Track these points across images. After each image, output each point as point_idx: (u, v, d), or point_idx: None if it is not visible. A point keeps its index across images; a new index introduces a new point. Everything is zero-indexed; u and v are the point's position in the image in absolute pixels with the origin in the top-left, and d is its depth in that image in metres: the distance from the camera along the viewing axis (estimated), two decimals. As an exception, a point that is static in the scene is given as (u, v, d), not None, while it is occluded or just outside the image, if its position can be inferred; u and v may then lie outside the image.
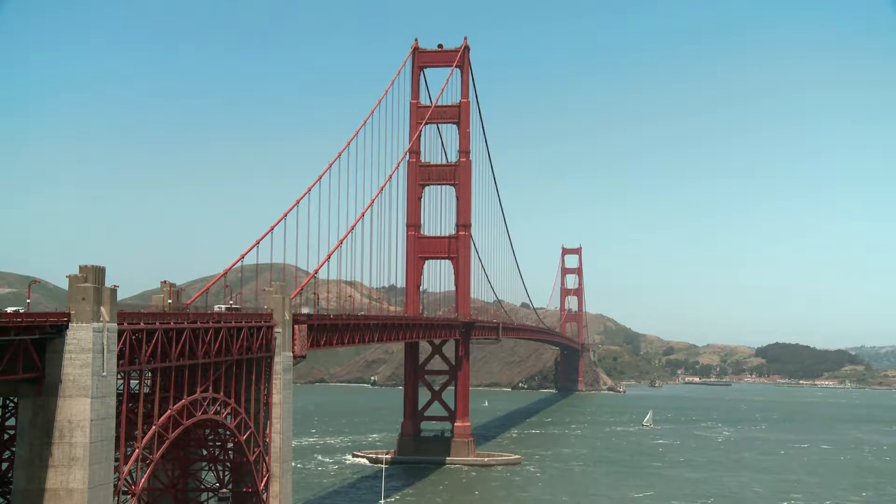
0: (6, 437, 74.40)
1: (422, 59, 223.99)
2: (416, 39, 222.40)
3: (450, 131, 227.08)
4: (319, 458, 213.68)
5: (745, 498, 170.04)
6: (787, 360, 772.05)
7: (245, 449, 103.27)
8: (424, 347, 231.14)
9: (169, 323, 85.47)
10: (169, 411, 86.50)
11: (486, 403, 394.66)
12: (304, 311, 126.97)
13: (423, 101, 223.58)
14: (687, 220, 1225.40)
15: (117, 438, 76.71)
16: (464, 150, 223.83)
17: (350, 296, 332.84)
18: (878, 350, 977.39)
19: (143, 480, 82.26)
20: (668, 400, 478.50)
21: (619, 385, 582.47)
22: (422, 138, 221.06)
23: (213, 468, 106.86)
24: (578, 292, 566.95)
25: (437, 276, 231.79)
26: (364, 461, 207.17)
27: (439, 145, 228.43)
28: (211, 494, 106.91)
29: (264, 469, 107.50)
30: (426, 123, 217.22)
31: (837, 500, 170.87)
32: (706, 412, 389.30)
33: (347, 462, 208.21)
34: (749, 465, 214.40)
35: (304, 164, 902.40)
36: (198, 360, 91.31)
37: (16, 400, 72.42)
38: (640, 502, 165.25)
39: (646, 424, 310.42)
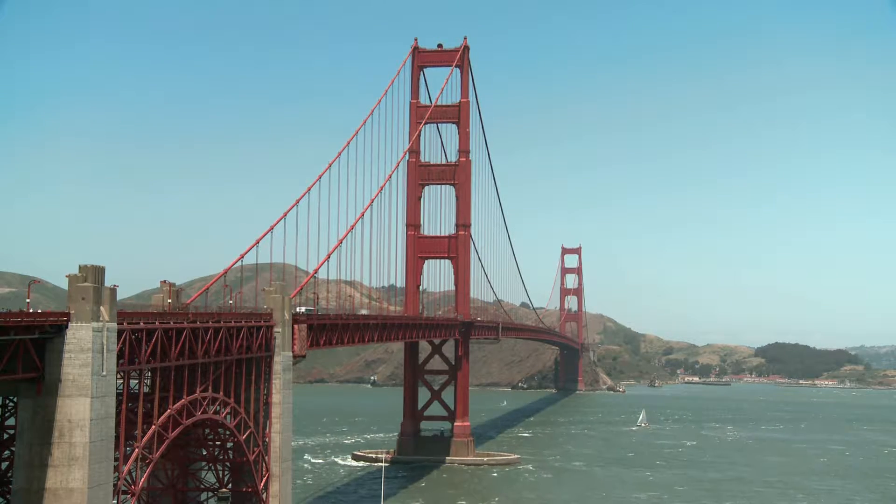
0: (6, 437, 74.40)
1: (422, 59, 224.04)
2: (416, 39, 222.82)
3: (450, 131, 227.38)
4: (319, 457, 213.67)
5: (751, 498, 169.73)
6: (786, 360, 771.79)
7: (245, 449, 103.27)
8: (424, 347, 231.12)
9: (169, 323, 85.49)
10: (169, 411, 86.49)
11: (505, 403, 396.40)
12: (364, 312, 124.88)
13: (423, 100, 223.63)
14: (687, 219, 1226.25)
15: (117, 438, 76.71)
16: (464, 150, 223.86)
17: (350, 296, 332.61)
18: (878, 350, 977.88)
19: (142, 480, 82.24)
20: (669, 400, 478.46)
21: (619, 385, 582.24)
22: (422, 138, 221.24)
23: (212, 468, 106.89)
24: (578, 292, 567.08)
25: (437, 276, 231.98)
26: (364, 461, 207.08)
27: (439, 145, 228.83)
28: (211, 494, 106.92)
29: (264, 469, 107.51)
30: (426, 123, 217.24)
31: (846, 500, 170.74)
32: (707, 412, 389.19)
33: (347, 462, 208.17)
34: (754, 465, 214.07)
35: (304, 164, 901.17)
36: (197, 360, 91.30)
37: (16, 400, 72.43)
38: (641, 502, 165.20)
39: (640, 424, 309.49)
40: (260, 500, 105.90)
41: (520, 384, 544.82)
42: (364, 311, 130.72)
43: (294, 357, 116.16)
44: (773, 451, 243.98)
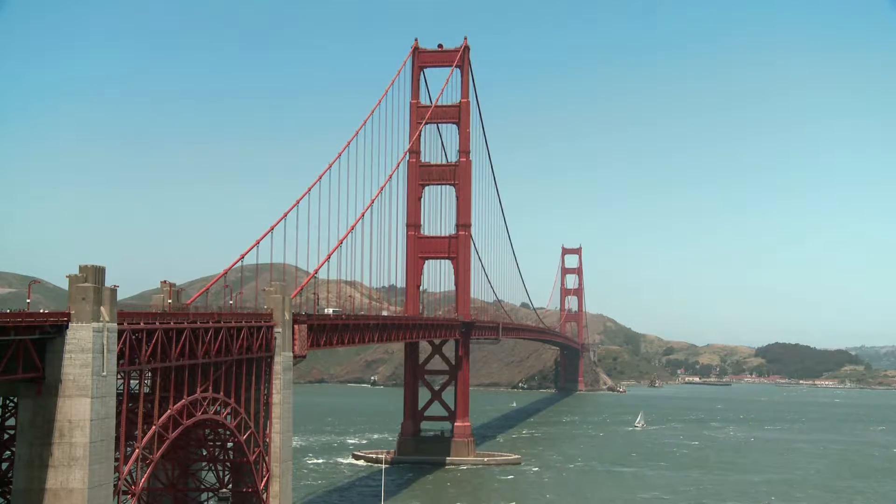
0: (6, 437, 74.41)
1: (422, 59, 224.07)
2: (416, 39, 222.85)
3: (450, 131, 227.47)
4: (319, 458, 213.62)
5: (754, 498, 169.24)
6: (787, 360, 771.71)
7: (245, 449, 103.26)
8: (424, 347, 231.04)
9: (169, 323, 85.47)
10: (169, 411, 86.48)
11: (514, 404, 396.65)
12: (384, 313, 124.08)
13: (423, 101, 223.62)
14: (687, 220, 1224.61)
15: (117, 438, 76.70)
16: (464, 150, 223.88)
17: (350, 296, 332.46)
18: (878, 350, 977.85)
19: (143, 480, 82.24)
20: (669, 400, 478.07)
21: (619, 385, 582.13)
22: (422, 138, 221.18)
23: (213, 468, 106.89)
24: (578, 292, 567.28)
25: (437, 276, 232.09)
26: (364, 461, 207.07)
27: (439, 145, 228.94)
28: (211, 494, 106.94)
29: (264, 469, 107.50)
30: (426, 123, 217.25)
31: (849, 500, 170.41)
32: (709, 412, 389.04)
33: (347, 462, 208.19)
34: (757, 465, 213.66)
35: (304, 164, 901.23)
36: (198, 360, 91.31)
37: (16, 400, 72.43)
38: (642, 502, 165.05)
39: (637, 425, 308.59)
40: (260, 500, 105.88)
41: (520, 384, 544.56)
42: (384, 313, 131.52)
43: (294, 357, 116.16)
44: (778, 451, 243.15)
